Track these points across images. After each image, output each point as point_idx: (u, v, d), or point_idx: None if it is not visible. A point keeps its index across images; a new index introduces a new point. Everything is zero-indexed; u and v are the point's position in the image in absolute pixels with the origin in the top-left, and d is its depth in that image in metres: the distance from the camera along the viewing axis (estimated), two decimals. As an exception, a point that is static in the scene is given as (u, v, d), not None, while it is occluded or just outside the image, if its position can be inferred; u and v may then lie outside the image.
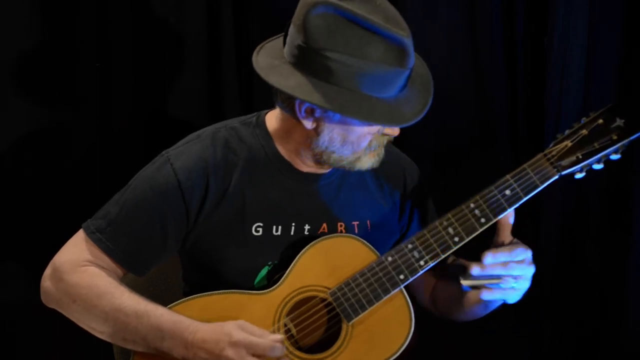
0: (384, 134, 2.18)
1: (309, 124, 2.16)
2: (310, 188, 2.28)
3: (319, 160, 2.22)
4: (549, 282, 2.90)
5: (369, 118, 2.08)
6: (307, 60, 2.08)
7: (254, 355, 2.04)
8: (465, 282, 2.16)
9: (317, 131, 2.17)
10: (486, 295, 2.15)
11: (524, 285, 2.16)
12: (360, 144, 2.17)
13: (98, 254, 2.20)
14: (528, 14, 2.90)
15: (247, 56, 3.13)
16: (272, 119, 2.28)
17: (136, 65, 3.12)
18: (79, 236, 2.23)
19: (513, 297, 2.18)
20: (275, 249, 2.23)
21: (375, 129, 2.15)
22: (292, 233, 2.24)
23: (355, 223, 2.30)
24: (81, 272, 2.17)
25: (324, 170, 2.28)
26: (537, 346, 2.97)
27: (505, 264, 2.13)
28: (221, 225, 2.22)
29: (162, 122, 3.17)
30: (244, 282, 2.22)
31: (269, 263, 2.23)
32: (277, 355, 2.06)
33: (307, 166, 2.27)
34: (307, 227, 2.26)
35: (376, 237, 2.28)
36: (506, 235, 2.19)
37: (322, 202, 2.28)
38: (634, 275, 2.71)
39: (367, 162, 2.21)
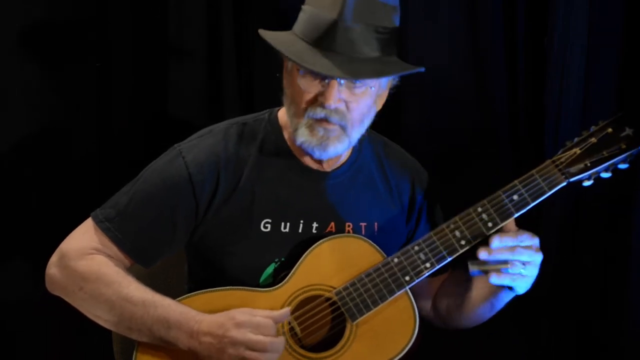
0: (318, 101, 2.15)
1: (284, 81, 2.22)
2: (320, 186, 2.28)
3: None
4: (549, 283, 2.90)
5: (277, 44, 2.12)
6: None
7: (258, 334, 2.05)
8: (473, 267, 2.16)
9: (284, 79, 2.22)
10: (494, 278, 2.15)
11: (532, 272, 2.17)
12: (296, 101, 2.17)
13: (106, 243, 2.20)
14: (528, 14, 2.90)
15: (247, 56, 3.16)
16: (284, 112, 2.28)
17: (136, 65, 3.12)
18: (87, 224, 2.23)
19: (522, 284, 2.18)
20: (282, 246, 2.24)
21: (311, 86, 2.14)
22: (300, 231, 2.25)
23: (363, 224, 2.31)
24: (89, 259, 2.17)
25: (332, 169, 2.29)
26: (537, 348, 2.97)
27: (512, 248, 2.14)
28: (230, 220, 2.22)
29: (162, 122, 3.17)
30: (249, 278, 2.22)
31: (276, 260, 2.23)
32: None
33: (312, 161, 2.28)
34: (315, 225, 2.26)
35: (383, 240, 2.28)
36: (511, 224, 2.20)
37: (331, 201, 2.28)
38: (634, 277, 2.71)
39: (304, 133, 2.18)
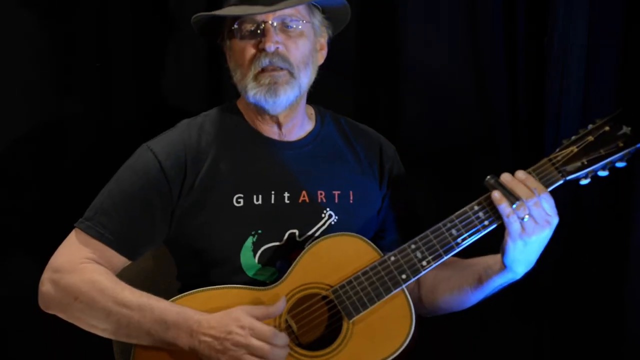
0: (259, 51, 2.24)
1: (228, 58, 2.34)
2: (285, 156, 2.34)
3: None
4: (548, 283, 2.89)
5: (210, 13, 2.28)
6: None
7: (259, 339, 2.06)
8: (492, 182, 2.15)
9: (227, 58, 2.34)
10: (497, 197, 2.14)
11: (533, 234, 2.14)
12: (240, 62, 2.29)
13: (91, 244, 2.23)
14: (528, 14, 2.90)
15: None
16: (242, 99, 2.37)
17: (136, 64, 3.12)
18: (71, 236, 2.27)
19: (516, 244, 2.15)
20: (258, 219, 2.28)
21: (249, 42, 2.26)
22: (272, 202, 2.29)
23: (337, 193, 2.35)
24: (80, 269, 2.19)
25: (295, 139, 2.37)
26: (538, 347, 2.97)
27: (530, 194, 2.13)
28: (202, 202, 2.27)
29: (161, 121, 3.15)
30: (229, 255, 2.26)
31: (253, 233, 2.27)
32: (279, 343, 2.08)
33: (275, 132, 2.36)
34: (286, 194, 2.31)
35: (360, 209, 2.35)
36: None
37: (299, 171, 2.33)
38: (634, 278, 2.71)
39: (253, 86, 2.27)
